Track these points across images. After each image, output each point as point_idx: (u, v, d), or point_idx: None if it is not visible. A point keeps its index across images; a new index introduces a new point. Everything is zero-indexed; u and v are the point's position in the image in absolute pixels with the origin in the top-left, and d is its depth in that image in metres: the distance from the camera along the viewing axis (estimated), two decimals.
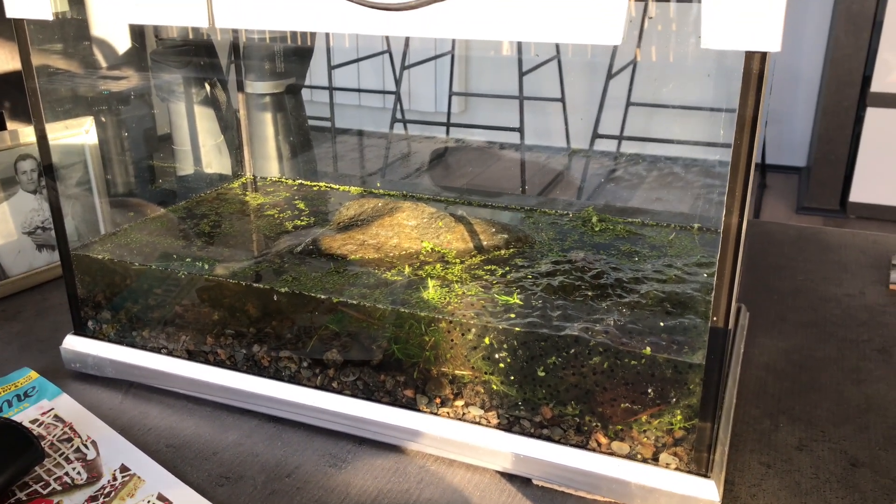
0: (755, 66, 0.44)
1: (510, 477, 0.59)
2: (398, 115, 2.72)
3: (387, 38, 2.83)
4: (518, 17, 0.47)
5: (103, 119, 1.03)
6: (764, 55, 0.43)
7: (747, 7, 0.42)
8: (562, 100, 2.62)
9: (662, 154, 2.30)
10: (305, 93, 2.78)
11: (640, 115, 2.43)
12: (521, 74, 2.43)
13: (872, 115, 2.28)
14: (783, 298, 0.87)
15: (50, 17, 0.60)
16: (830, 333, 0.79)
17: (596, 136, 2.34)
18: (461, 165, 2.68)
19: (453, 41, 2.84)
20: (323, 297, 0.62)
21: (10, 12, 0.61)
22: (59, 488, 0.58)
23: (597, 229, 0.75)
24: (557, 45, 2.57)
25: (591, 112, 2.42)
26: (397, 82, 2.69)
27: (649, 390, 0.54)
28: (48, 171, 0.70)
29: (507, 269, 0.67)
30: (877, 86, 2.26)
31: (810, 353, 0.75)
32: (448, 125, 2.80)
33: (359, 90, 3.00)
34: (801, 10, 2.77)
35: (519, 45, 2.59)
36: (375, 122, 3.00)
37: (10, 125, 1.17)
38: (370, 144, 2.89)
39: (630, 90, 2.46)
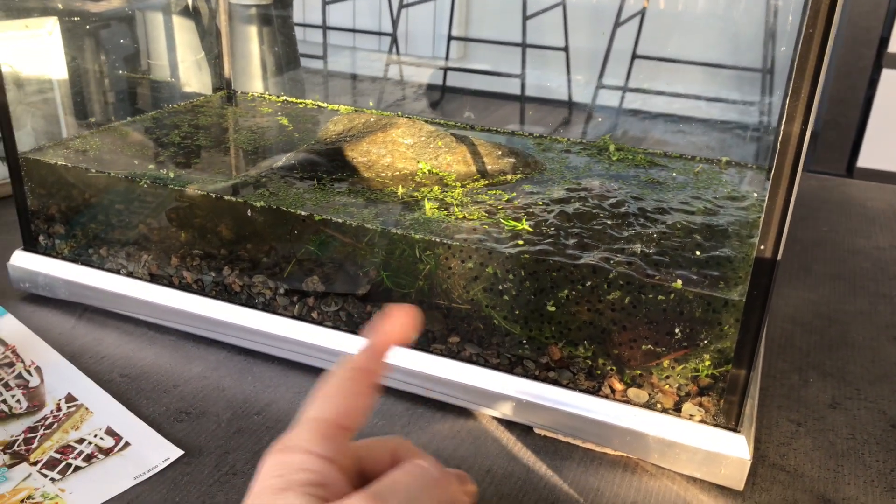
0: None
1: (509, 424, 0.52)
2: (394, 58, 2.61)
3: None
4: None
5: (72, 27, 0.93)
6: None
7: None
8: (566, 48, 2.52)
9: (667, 110, 2.21)
10: (298, 31, 2.66)
11: (646, 69, 2.34)
12: (525, 18, 2.33)
13: (888, 77, 2.19)
14: (806, 249, 0.80)
15: None
16: (861, 287, 0.72)
17: (600, 86, 2.25)
18: (457, 112, 2.58)
19: None
20: (303, 214, 0.55)
21: None
22: None
23: (615, 158, 0.67)
24: None
25: (593, 62, 2.33)
26: (394, 22, 2.58)
27: (676, 330, 0.47)
28: None
29: (514, 194, 0.59)
30: (894, 47, 2.17)
31: (839, 307, 0.69)
32: (446, 69, 2.69)
33: (354, 30, 2.88)
34: None
35: None
36: (370, 63, 2.88)
37: None
38: (363, 89, 2.78)
39: (636, 42, 2.36)
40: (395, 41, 2.56)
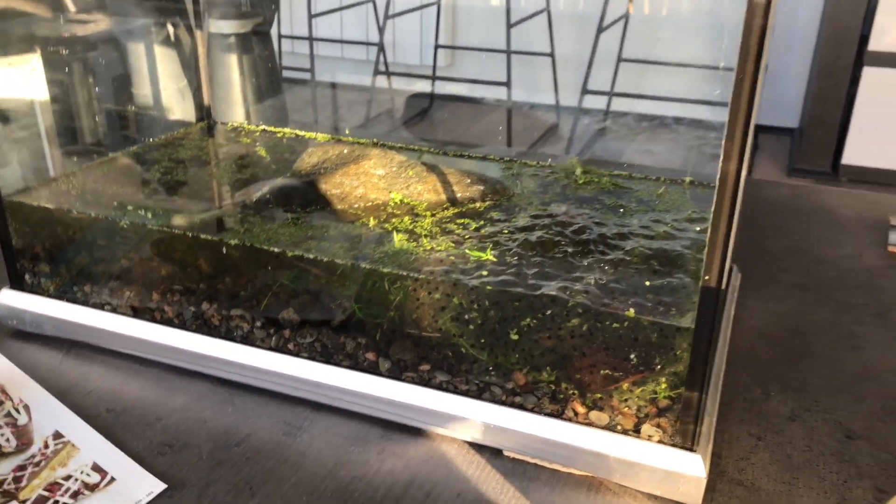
0: None
1: (479, 447, 0.54)
2: (381, 68, 2.63)
3: None
4: None
5: (53, 60, 0.95)
6: None
7: None
8: (551, 54, 2.54)
9: (654, 112, 2.23)
10: (286, 43, 2.68)
11: (631, 72, 2.36)
12: (509, 26, 2.35)
13: (869, 74, 2.22)
14: (776, 259, 0.82)
15: None
16: (826, 297, 0.75)
17: (585, 91, 2.27)
18: (446, 120, 2.60)
19: None
20: (278, 250, 0.57)
21: None
22: None
23: (580, 182, 0.69)
24: None
25: (580, 67, 2.35)
26: (381, 32, 2.60)
27: (632, 356, 0.49)
28: None
29: (482, 222, 0.61)
30: (874, 44, 2.20)
31: (804, 318, 0.71)
32: (434, 78, 2.71)
33: (341, 41, 2.90)
34: None
35: None
36: (358, 74, 2.91)
37: None
38: (352, 99, 2.80)
39: (622, 45, 2.38)
40: (381, 51, 2.59)
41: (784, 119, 2.84)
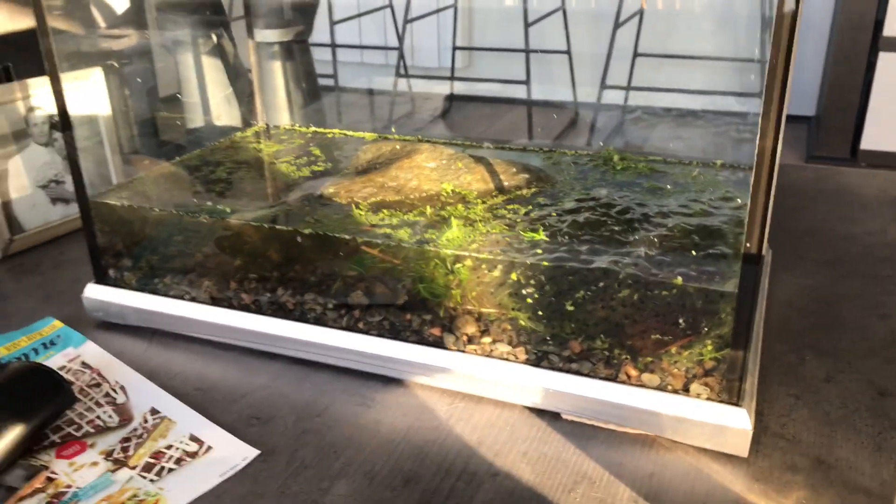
0: None
1: (539, 412, 0.59)
2: (401, 71, 2.69)
3: None
4: None
5: (112, 74, 1.01)
6: None
7: None
8: (568, 52, 2.59)
9: (671, 105, 2.27)
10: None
11: (648, 66, 2.40)
12: (527, 26, 2.40)
13: (885, 60, 2.24)
14: (802, 238, 0.87)
15: None
16: (852, 270, 0.79)
17: (604, 86, 2.31)
18: (468, 120, 2.65)
19: None
20: (346, 237, 0.62)
21: None
22: (92, 431, 0.58)
23: (618, 168, 0.74)
24: None
25: (597, 63, 2.39)
26: (400, 38, 2.65)
27: (680, 321, 0.54)
28: (65, 123, 0.69)
29: (530, 207, 0.66)
30: (889, 30, 2.22)
31: (833, 290, 0.75)
32: (452, 79, 2.76)
33: (361, 46, 2.96)
34: None
35: None
36: (379, 78, 2.96)
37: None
38: (374, 101, 2.86)
39: (637, 41, 2.42)
40: (401, 56, 2.64)
41: (801, 107, 2.86)
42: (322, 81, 2.71)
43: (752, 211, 0.48)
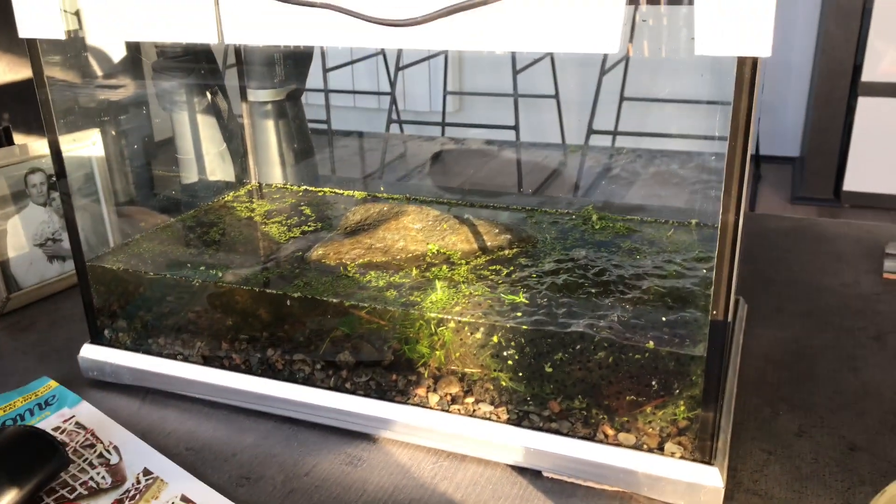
0: (747, 71, 0.46)
1: (521, 470, 0.61)
2: (394, 116, 2.74)
3: None
4: (517, 29, 0.48)
5: (107, 130, 1.04)
6: (755, 60, 0.45)
7: (738, 14, 0.44)
8: (556, 97, 2.64)
9: (657, 148, 2.32)
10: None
11: (634, 111, 2.45)
12: (515, 73, 2.46)
13: (864, 104, 2.30)
14: (780, 290, 0.89)
15: (63, 37, 0.62)
16: (826, 322, 0.81)
17: (591, 131, 2.36)
18: (458, 164, 2.70)
19: None
20: (334, 300, 0.64)
21: (23, 33, 0.63)
22: (85, 493, 0.60)
23: (597, 227, 0.77)
24: None
25: (585, 108, 2.45)
26: (392, 84, 2.71)
27: (653, 382, 0.56)
28: (62, 183, 0.72)
29: (512, 268, 0.69)
30: (867, 75, 2.29)
31: (807, 343, 0.78)
32: (443, 125, 2.81)
33: (354, 92, 3.02)
34: (792, 1, 2.79)
35: None
36: (371, 123, 3.01)
37: (17, 138, 1.19)
38: (367, 146, 2.90)
39: (623, 86, 2.48)
40: (393, 101, 2.69)
41: (785, 148, 2.92)
42: (316, 126, 2.76)
43: (717, 281, 0.50)
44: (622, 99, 2.50)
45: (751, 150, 0.47)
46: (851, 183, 2.35)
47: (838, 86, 2.32)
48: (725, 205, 0.49)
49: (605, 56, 2.39)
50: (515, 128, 2.54)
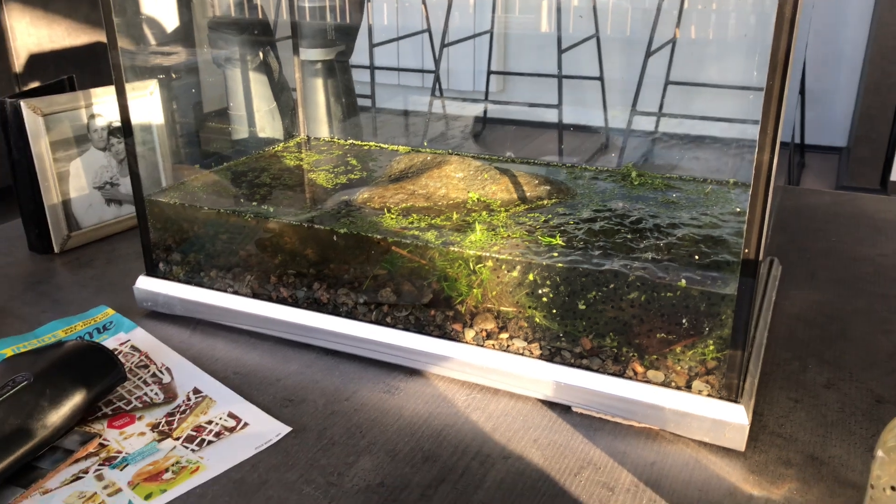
0: (788, 10, 0.47)
1: (551, 404, 0.63)
2: (437, 93, 2.76)
3: (427, 17, 2.87)
4: None
5: (163, 87, 1.08)
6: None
7: None
8: (600, 77, 2.64)
9: (702, 132, 2.31)
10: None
11: (679, 93, 2.43)
12: (560, 52, 2.46)
13: None
14: (816, 257, 0.90)
15: None
16: (861, 289, 0.82)
17: (634, 112, 2.36)
18: (499, 142, 2.71)
19: (492, 19, 2.86)
20: (377, 238, 0.67)
21: None
22: (139, 406, 0.64)
23: (636, 183, 0.78)
24: (596, 22, 2.58)
25: (629, 89, 2.44)
26: (436, 61, 2.73)
27: (684, 322, 0.58)
28: (128, 133, 0.76)
29: (550, 216, 0.71)
30: None
31: (840, 306, 0.78)
32: (486, 102, 2.82)
33: (399, 69, 3.04)
34: None
35: (558, 21, 2.60)
36: (415, 100, 3.04)
37: None
38: (409, 121, 2.93)
39: (669, 68, 2.46)
40: (437, 79, 2.71)
41: (832, 138, 2.87)
42: (361, 102, 2.80)
43: (751, 220, 0.52)
44: (667, 82, 2.48)
45: (787, 91, 0.49)
46: None
47: (890, 73, 2.27)
48: (761, 144, 0.50)
49: (651, 36, 2.38)
50: (559, 106, 2.55)
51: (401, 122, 2.81)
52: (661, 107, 2.38)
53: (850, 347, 0.71)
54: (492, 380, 0.64)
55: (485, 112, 2.88)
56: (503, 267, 0.63)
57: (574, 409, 0.62)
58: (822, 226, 0.99)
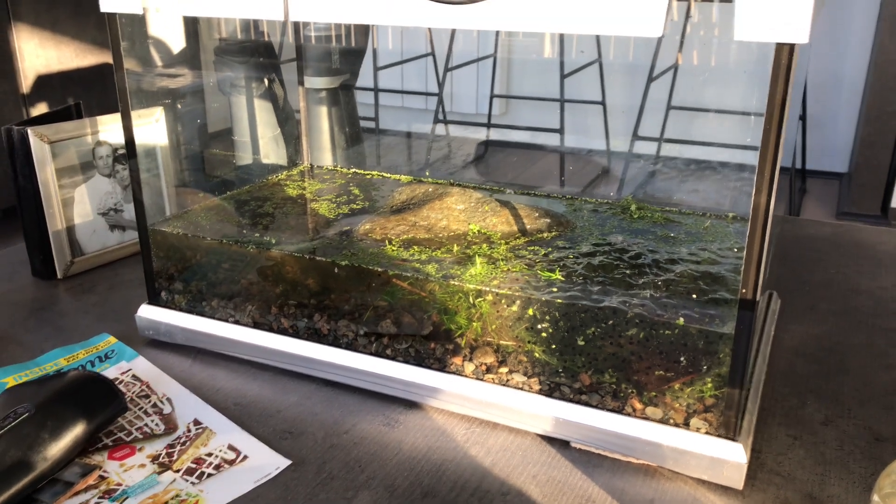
0: (784, 58, 0.48)
1: (550, 440, 0.63)
2: (440, 117, 2.78)
3: (431, 40, 2.89)
4: (562, 9, 0.51)
5: (172, 111, 1.09)
6: (792, 47, 0.48)
7: (777, 1, 0.46)
8: (602, 102, 2.65)
9: (703, 157, 2.32)
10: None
11: (680, 119, 2.45)
12: (563, 77, 2.47)
13: None
14: (815, 289, 0.90)
15: (140, 12, 0.66)
16: (861, 322, 0.82)
17: (636, 138, 2.37)
18: (501, 166, 2.72)
19: (496, 44, 2.89)
20: (378, 270, 0.68)
21: (105, 7, 0.67)
22: (140, 436, 0.64)
23: (635, 216, 0.79)
24: (599, 48, 2.60)
25: (631, 114, 2.45)
26: (440, 84, 2.75)
27: (682, 359, 0.58)
28: (132, 155, 0.77)
29: (550, 249, 0.71)
30: None
31: (840, 340, 0.79)
32: (489, 126, 2.84)
33: (402, 91, 3.07)
34: (847, 14, 2.76)
35: (561, 46, 2.63)
36: (418, 122, 3.06)
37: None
38: (412, 145, 2.94)
39: (671, 93, 2.48)
40: (441, 102, 2.73)
41: (833, 164, 2.88)
42: (364, 124, 2.81)
43: (748, 260, 0.52)
44: (669, 107, 2.50)
45: (784, 137, 0.49)
46: None
47: (890, 100, 2.29)
48: (758, 187, 0.51)
49: (654, 61, 2.40)
50: (560, 131, 2.56)
51: (404, 145, 2.83)
52: (662, 132, 2.39)
53: (848, 382, 0.71)
54: (491, 414, 0.65)
55: (487, 136, 2.90)
56: (503, 301, 0.63)
57: (573, 445, 0.62)
58: (823, 256, 0.99)
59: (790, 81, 0.48)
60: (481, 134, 2.88)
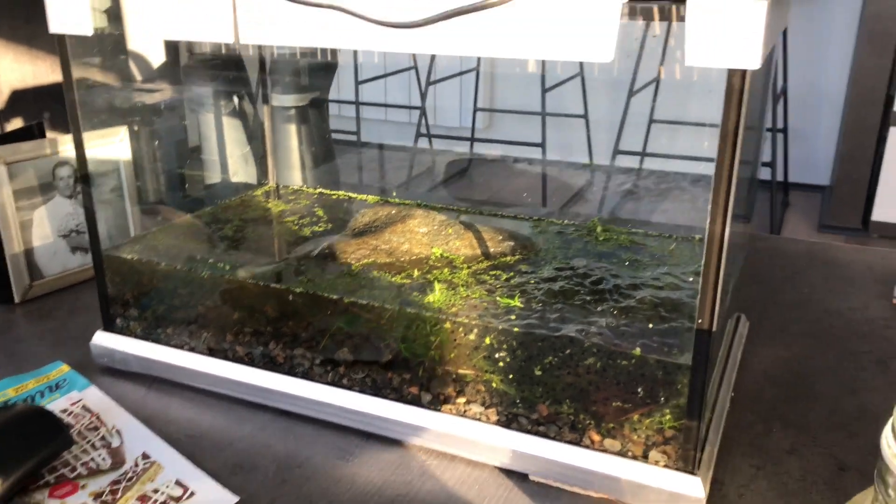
0: (736, 83, 0.47)
1: (508, 472, 0.62)
2: (423, 130, 2.77)
3: (414, 54, 2.89)
4: (515, 35, 0.50)
5: (136, 129, 1.08)
6: (744, 72, 0.46)
7: (728, 27, 0.45)
8: (584, 116, 2.65)
9: (684, 170, 2.31)
10: (333, 107, 2.84)
11: (662, 132, 2.45)
12: (544, 91, 2.47)
13: (895, 134, 2.27)
14: (786, 310, 0.89)
15: (90, 34, 0.65)
16: (830, 344, 0.81)
17: (617, 152, 2.37)
18: (483, 179, 2.72)
19: (478, 58, 2.89)
20: (335, 297, 0.66)
21: (54, 28, 0.66)
22: (84, 472, 0.62)
23: (601, 239, 0.77)
24: (581, 63, 2.60)
25: (612, 128, 2.45)
26: (423, 97, 2.74)
27: (640, 390, 0.56)
28: (84, 177, 0.75)
29: (512, 274, 0.70)
30: None
31: (809, 363, 0.77)
32: (472, 140, 2.84)
33: (385, 105, 3.06)
34: (826, 29, 2.78)
35: (542, 62, 2.63)
36: (401, 136, 3.05)
37: (49, 134, 1.23)
38: (395, 158, 2.93)
39: (653, 107, 2.48)
40: (423, 115, 2.73)
41: (815, 177, 2.89)
42: (346, 137, 2.80)
43: (703, 290, 0.51)
44: (651, 121, 2.50)
45: (738, 161, 0.48)
46: (880, 213, 2.32)
47: (870, 115, 2.29)
48: (713, 215, 0.49)
49: (634, 76, 2.40)
50: (542, 145, 2.56)
51: (386, 158, 2.82)
52: (644, 146, 2.39)
53: (815, 408, 0.70)
54: (448, 445, 0.63)
55: (471, 148, 2.89)
56: (460, 329, 0.62)
57: (531, 478, 0.61)
58: (794, 276, 0.98)
59: (743, 107, 0.47)
60: (464, 148, 2.87)
